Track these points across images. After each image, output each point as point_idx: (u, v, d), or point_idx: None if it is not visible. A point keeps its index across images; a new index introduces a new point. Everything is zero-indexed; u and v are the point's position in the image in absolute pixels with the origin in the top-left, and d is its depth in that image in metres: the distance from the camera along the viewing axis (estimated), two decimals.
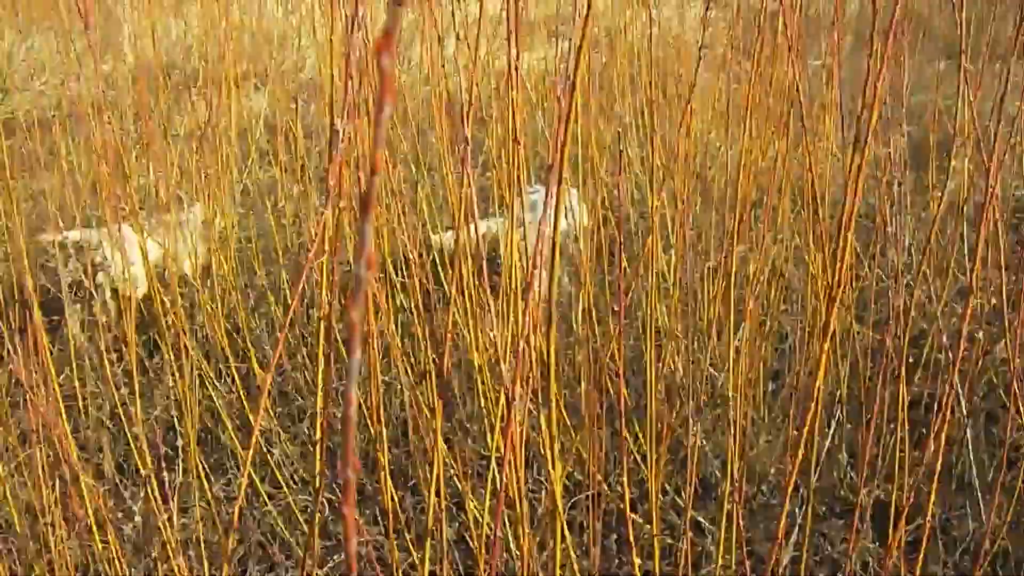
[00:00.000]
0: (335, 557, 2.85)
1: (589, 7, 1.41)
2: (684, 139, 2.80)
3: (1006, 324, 2.35)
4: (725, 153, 2.86)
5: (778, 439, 3.05)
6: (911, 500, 2.87)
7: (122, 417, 2.79)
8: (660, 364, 2.71)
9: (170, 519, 2.28)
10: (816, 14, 5.26)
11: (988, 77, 3.72)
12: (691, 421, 2.50)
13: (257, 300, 3.80)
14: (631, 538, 1.98)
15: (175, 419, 2.92)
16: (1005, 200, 4.11)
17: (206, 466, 3.11)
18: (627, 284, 3.59)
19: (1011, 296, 3.44)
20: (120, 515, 2.95)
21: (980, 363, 2.98)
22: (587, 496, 2.42)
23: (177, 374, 2.79)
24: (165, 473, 2.40)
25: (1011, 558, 2.67)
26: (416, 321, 2.82)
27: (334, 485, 3.00)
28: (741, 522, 2.13)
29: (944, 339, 2.95)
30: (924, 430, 3.13)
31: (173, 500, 2.32)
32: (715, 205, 3.31)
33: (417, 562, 2.18)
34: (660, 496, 2.70)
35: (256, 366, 3.14)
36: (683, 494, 2.67)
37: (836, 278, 1.58)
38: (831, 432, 2.88)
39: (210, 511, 2.64)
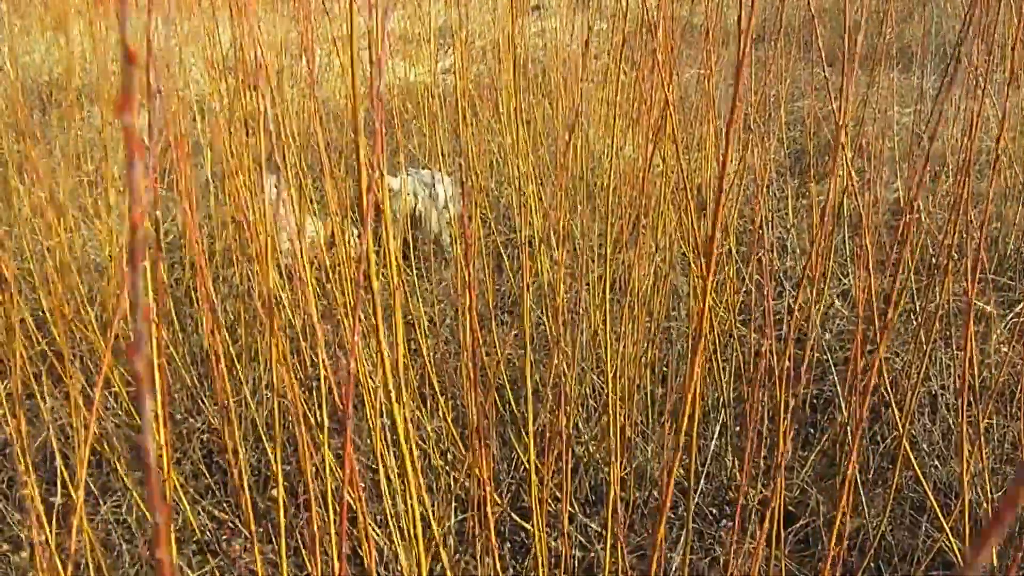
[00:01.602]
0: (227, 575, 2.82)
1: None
2: (570, 150, 2.82)
3: (885, 323, 2.41)
4: (610, 162, 2.90)
5: (666, 444, 3.08)
6: (797, 500, 2.94)
7: (9, 440, 2.74)
8: (548, 373, 2.73)
9: (55, 543, 2.23)
10: (700, 23, 5.34)
11: (862, 85, 3.82)
12: (580, 428, 2.52)
13: None
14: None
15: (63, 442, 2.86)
16: (881, 202, 4.21)
17: (95, 489, 3.06)
18: (515, 295, 3.61)
19: (889, 296, 3.54)
20: (6, 544, 2.89)
21: (861, 362, 3.05)
22: (478, 506, 2.43)
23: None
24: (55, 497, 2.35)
25: (895, 552, 2.74)
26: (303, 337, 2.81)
27: (224, 503, 2.97)
28: (629, 528, 2.15)
29: (825, 341, 3.01)
30: (811, 430, 3.20)
31: (52, 524, 2.27)
32: (600, 214, 3.35)
33: None
34: (552, 504, 2.72)
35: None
36: (570, 501, 2.69)
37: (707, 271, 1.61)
38: (716, 434, 2.92)
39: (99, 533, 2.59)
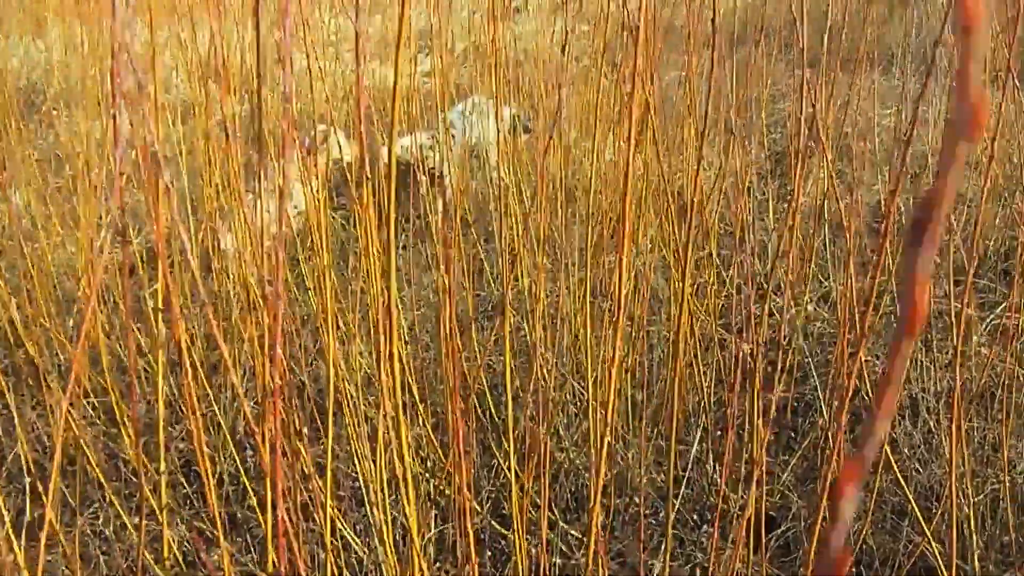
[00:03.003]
0: None
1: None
2: (552, 153, 2.80)
3: (865, 325, 2.40)
4: (590, 166, 2.88)
5: (649, 449, 3.07)
6: (778, 505, 2.92)
7: None
8: (528, 378, 2.71)
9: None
10: (682, 26, 5.33)
11: (843, 85, 3.81)
12: (561, 435, 2.50)
13: (122, 329, 3.71)
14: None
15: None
16: (862, 204, 4.21)
17: (72, 500, 3.03)
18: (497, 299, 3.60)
19: (870, 298, 3.53)
20: None
21: (844, 367, 3.04)
22: (457, 514, 2.41)
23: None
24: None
25: (876, 557, 2.73)
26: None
27: (203, 515, 2.94)
28: (609, 534, 2.14)
29: (806, 344, 3.00)
30: (792, 434, 3.19)
31: (23, 537, 2.23)
32: (580, 218, 3.34)
33: None
34: (532, 511, 2.70)
35: (117, 397, 3.06)
36: (550, 508, 2.67)
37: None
38: (697, 439, 2.91)
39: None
